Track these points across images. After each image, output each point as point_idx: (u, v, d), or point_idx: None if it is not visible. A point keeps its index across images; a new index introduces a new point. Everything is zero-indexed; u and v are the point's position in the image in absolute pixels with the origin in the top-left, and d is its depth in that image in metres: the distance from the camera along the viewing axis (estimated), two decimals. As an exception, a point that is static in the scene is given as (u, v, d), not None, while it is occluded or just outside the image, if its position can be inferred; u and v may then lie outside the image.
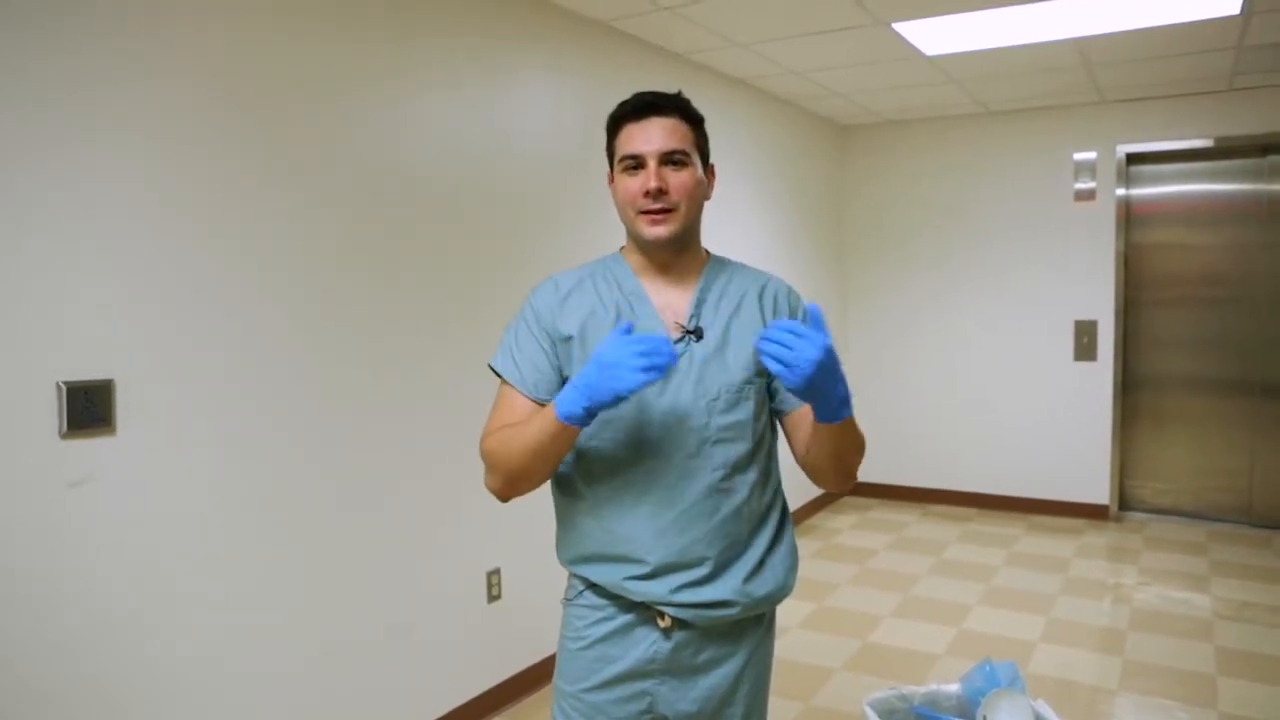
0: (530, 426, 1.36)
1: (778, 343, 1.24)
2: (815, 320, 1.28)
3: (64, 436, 1.93)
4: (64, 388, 1.92)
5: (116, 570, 2.03)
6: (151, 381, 2.09)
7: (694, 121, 1.48)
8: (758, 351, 1.28)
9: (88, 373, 1.97)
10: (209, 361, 2.22)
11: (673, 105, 1.46)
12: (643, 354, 1.25)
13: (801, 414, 1.49)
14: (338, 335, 2.56)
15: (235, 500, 2.29)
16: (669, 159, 1.43)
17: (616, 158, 1.47)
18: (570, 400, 1.29)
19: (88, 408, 1.96)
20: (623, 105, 1.48)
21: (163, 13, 2.10)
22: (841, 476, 1.48)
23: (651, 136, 1.42)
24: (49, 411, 1.91)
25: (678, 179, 1.43)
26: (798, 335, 1.24)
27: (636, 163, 1.43)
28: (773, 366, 1.25)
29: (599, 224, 3.57)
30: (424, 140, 2.82)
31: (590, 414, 1.29)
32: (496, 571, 3.11)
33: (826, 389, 1.28)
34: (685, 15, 3.50)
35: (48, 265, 1.90)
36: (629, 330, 1.31)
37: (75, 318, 1.95)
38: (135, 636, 2.07)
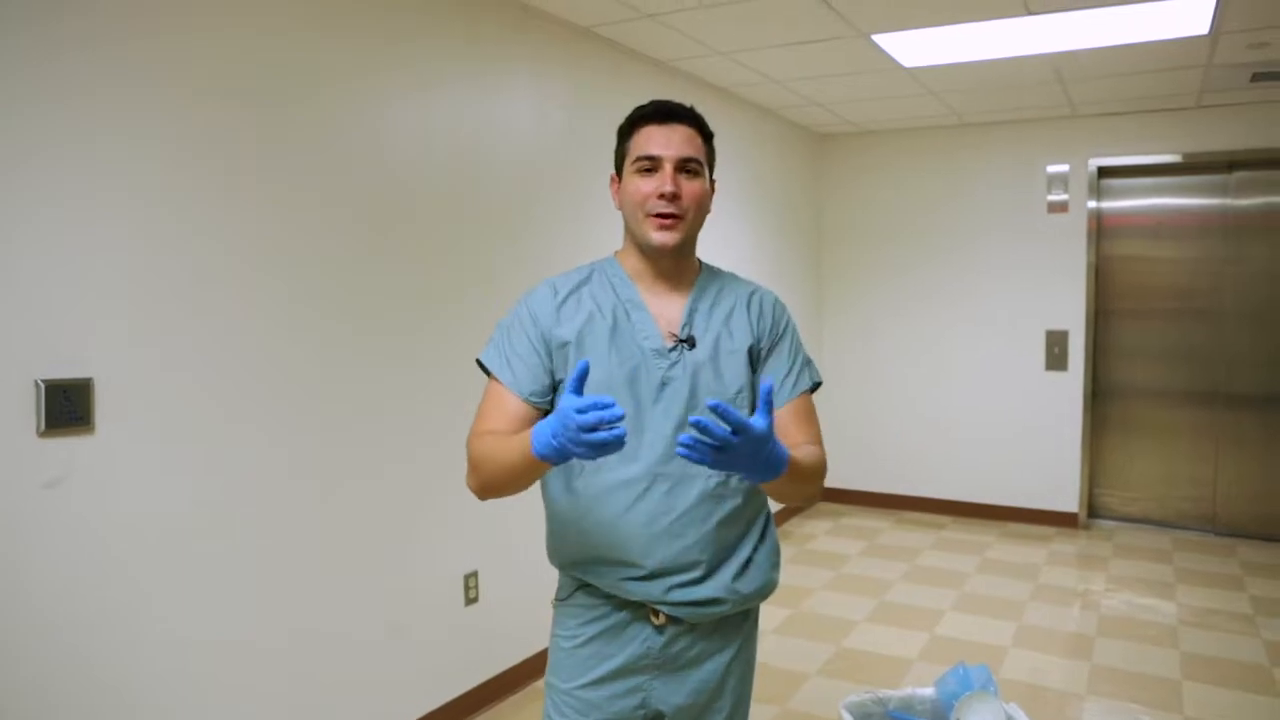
0: (511, 449, 1.33)
1: (707, 444, 1.18)
2: (764, 401, 1.23)
3: (41, 435, 1.91)
4: (42, 386, 1.90)
5: (94, 569, 2.01)
6: (131, 380, 2.08)
7: (707, 136, 1.53)
8: (679, 446, 1.20)
9: (67, 371, 1.95)
10: (189, 361, 2.21)
11: (691, 116, 1.50)
12: (587, 434, 1.16)
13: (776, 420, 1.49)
14: (319, 336, 2.55)
15: (214, 499, 2.27)
16: (684, 166, 1.46)
17: (630, 158, 1.49)
18: (545, 444, 1.24)
19: (66, 406, 1.94)
20: (642, 109, 1.50)
21: (147, 13, 2.09)
22: (793, 502, 1.51)
23: (671, 141, 1.45)
24: (27, 410, 1.89)
25: (690, 187, 1.47)
26: (724, 444, 1.18)
27: (653, 165, 1.45)
28: (695, 458, 1.19)
29: (580, 226, 3.58)
30: (407, 141, 2.82)
31: (565, 460, 1.25)
32: (474, 574, 3.11)
33: (755, 472, 1.26)
34: (668, 23, 3.53)
35: (28, 263, 1.89)
36: (582, 374, 1.22)
37: (55, 316, 1.93)
38: (112, 636, 2.05)
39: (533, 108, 3.36)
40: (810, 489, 1.46)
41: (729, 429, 1.18)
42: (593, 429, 1.16)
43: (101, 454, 2.02)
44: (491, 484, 1.42)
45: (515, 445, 1.33)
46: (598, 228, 3.63)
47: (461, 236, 3.05)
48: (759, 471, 1.26)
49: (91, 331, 2.00)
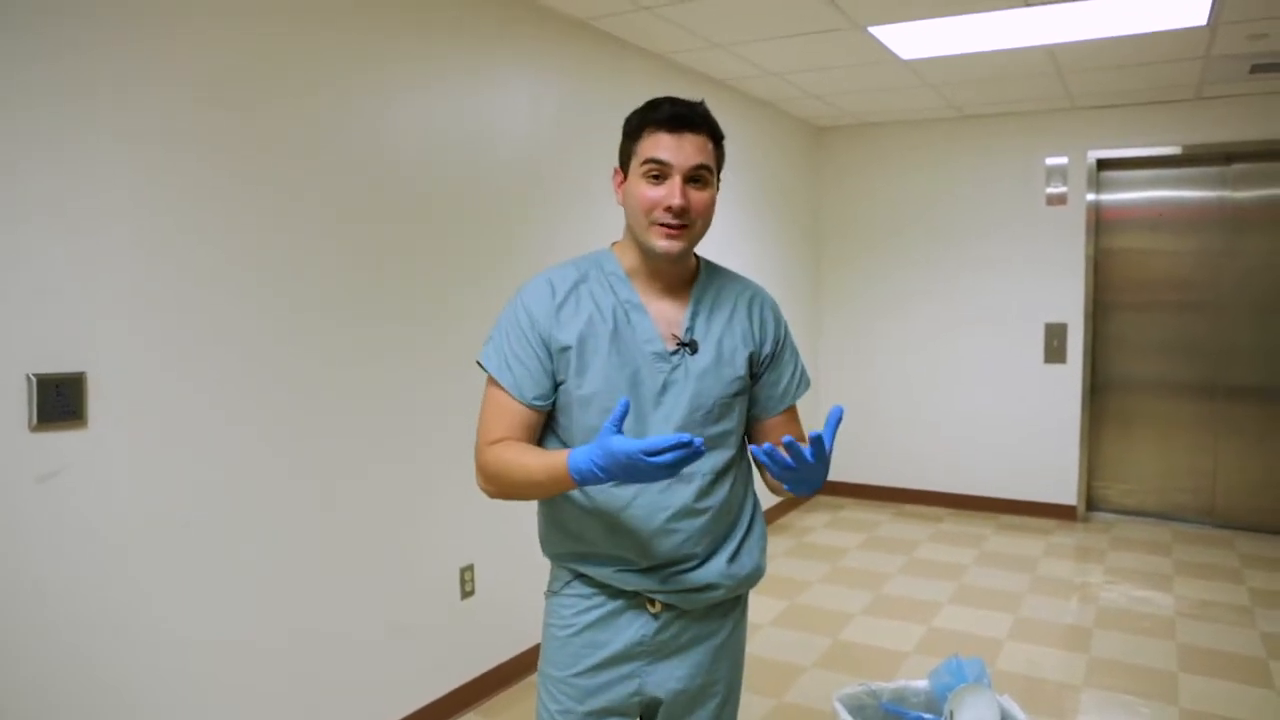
0: (537, 466, 1.37)
1: (796, 470, 1.31)
2: (831, 426, 1.31)
3: (34, 429, 1.91)
4: (34, 380, 1.90)
5: (91, 567, 2.01)
6: (124, 375, 2.08)
7: (718, 140, 1.49)
8: (766, 467, 1.33)
9: (59, 365, 1.95)
10: (182, 355, 2.20)
11: (705, 123, 1.46)
12: (671, 466, 1.24)
13: (773, 424, 1.59)
14: (314, 332, 2.55)
15: (208, 495, 2.27)
16: (693, 176, 1.43)
17: (638, 160, 1.45)
18: (589, 472, 1.30)
19: (58, 400, 1.94)
20: (656, 110, 1.45)
21: (145, 15, 2.08)
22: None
23: (683, 150, 1.42)
24: (18, 404, 1.89)
25: (698, 198, 1.44)
26: (813, 465, 1.31)
27: (662, 172, 1.42)
28: (786, 484, 1.34)
29: (576, 220, 3.58)
30: (403, 138, 2.81)
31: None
32: (470, 568, 3.11)
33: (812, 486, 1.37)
34: (665, 16, 3.52)
35: (20, 257, 1.88)
36: (623, 413, 1.27)
37: (47, 310, 1.93)
38: (104, 633, 2.05)
39: (530, 102, 3.35)
40: None
41: (808, 452, 1.28)
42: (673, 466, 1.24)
43: (94, 448, 2.02)
44: (511, 495, 1.45)
45: (540, 466, 1.37)
46: (597, 222, 3.63)
47: (458, 232, 3.05)
48: (815, 485, 1.36)
49: (85, 326, 2.00)
